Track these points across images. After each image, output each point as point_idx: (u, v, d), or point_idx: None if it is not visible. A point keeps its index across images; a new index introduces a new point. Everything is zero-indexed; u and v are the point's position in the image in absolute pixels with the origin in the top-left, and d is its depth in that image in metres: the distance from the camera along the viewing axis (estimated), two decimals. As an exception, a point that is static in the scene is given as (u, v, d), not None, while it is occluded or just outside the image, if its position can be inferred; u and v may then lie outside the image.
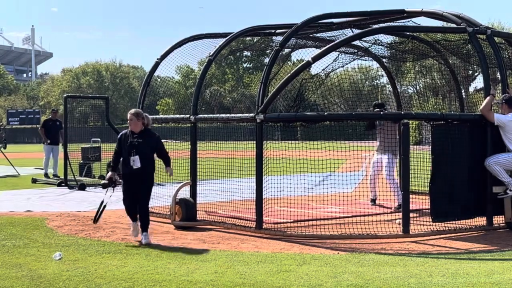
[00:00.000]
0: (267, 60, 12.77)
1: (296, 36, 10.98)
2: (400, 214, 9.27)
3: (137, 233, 8.86)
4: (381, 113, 10.81)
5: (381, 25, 11.32)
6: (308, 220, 10.47)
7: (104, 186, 9.06)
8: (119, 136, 8.94)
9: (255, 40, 13.24)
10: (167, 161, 8.98)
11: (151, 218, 8.86)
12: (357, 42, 11.29)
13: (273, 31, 12.09)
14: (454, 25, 10.29)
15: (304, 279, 6.53)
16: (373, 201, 12.47)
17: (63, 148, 17.66)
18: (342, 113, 11.07)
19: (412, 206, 9.49)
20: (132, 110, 8.88)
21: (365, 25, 11.35)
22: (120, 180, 19.11)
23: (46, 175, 18.77)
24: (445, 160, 9.29)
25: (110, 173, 9.05)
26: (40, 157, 30.04)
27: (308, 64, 9.45)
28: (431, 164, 9.32)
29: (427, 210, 10.32)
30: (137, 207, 8.76)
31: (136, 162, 8.57)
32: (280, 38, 11.07)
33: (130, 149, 8.62)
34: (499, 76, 10.00)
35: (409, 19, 11.02)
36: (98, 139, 20.15)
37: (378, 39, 11.24)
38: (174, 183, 11.06)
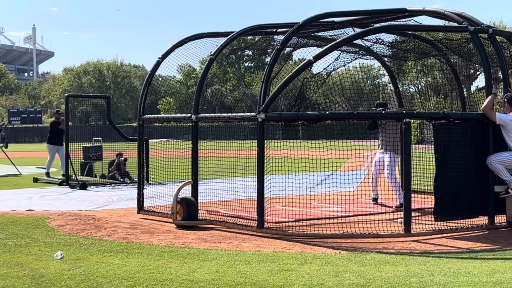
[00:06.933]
0: (268, 59, 12.73)
1: (297, 35, 10.97)
2: (402, 213, 9.26)
3: None
4: (383, 112, 10.80)
5: (383, 24, 11.31)
6: (309, 219, 10.46)
7: None
8: None
9: (256, 39, 13.23)
10: None
11: (152, 217, 8.65)
12: (358, 41, 11.28)
13: (274, 30, 12.08)
14: (455, 24, 10.28)
15: (305, 278, 6.53)
16: (375, 200, 12.46)
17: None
18: (343, 112, 11.05)
19: (413, 205, 9.48)
20: None
21: (366, 24, 11.34)
22: (121, 179, 19.16)
23: (47, 174, 18.77)
24: (448, 159, 9.27)
25: None
26: (41, 157, 30.16)
27: (309, 63, 9.44)
28: (435, 164, 9.31)
29: (428, 209, 10.32)
30: None
31: None
32: (281, 37, 11.05)
33: None
34: (500, 75, 9.98)
35: (410, 18, 11.01)
36: (100, 138, 20.12)
37: (380, 38, 11.23)
38: (175, 182, 11.05)
